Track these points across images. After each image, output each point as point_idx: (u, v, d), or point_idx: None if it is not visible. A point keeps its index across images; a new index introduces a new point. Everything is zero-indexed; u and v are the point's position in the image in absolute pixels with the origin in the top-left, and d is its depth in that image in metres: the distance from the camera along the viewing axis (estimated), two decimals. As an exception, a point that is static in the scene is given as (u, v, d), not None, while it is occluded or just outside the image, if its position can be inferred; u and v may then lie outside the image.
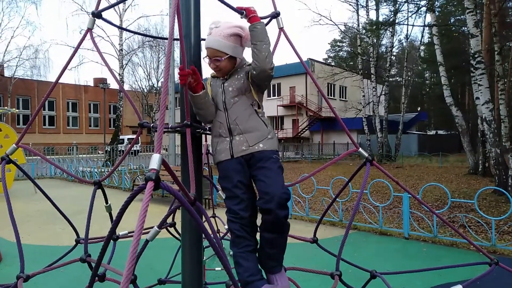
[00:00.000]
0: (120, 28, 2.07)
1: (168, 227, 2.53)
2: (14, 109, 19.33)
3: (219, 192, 1.89)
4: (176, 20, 1.31)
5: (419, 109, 43.36)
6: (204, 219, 1.50)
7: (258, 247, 1.81)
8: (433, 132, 44.01)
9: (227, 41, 1.82)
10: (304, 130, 33.99)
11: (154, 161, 0.93)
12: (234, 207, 1.75)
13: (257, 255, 1.81)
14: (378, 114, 22.33)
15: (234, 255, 1.76)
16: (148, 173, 0.89)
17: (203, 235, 1.81)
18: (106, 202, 2.15)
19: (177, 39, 1.64)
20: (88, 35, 1.78)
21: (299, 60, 2.08)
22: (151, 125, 1.77)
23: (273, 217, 1.67)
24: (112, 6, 1.92)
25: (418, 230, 5.74)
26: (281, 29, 2.00)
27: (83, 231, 1.96)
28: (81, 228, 2.06)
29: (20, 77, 34.11)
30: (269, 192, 1.69)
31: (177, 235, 2.52)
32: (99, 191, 2.01)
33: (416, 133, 36.71)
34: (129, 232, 2.24)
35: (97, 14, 1.69)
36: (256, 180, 1.79)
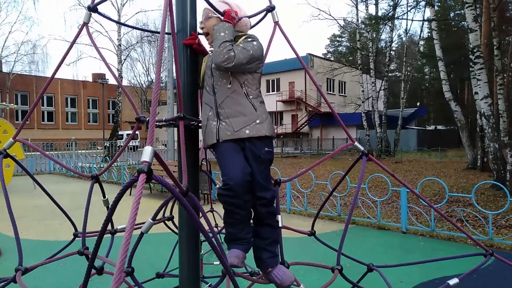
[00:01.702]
0: (117, 22, 2.06)
1: (166, 221, 2.54)
2: (12, 104, 19.29)
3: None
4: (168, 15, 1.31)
5: (418, 104, 43.34)
6: (201, 211, 1.51)
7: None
8: (432, 127, 44.03)
9: (218, 3, 1.90)
10: (303, 126, 33.98)
11: (146, 153, 0.94)
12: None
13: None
14: (377, 109, 22.33)
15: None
16: (140, 166, 0.89)
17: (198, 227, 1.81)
18: (104, 196, 2.16)
19: (169, 33, 1.64)
20: (84, 30, 1.77)
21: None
22: (147, 119, 1.77)
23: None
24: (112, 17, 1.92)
25: (416, 224, 5.77)
26: (276, 23, 1.99)
27: (81, 226, 1.97)
28: (79, 223, 2.07)
29: (18, 72, 34.01)
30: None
31: (174, 229, 2.53)
32: (96, 186, 2.02)
33: (415, 128, 36.74)
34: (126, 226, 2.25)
35: (92, 8, 1.69)
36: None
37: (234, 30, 1.84)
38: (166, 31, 1.72)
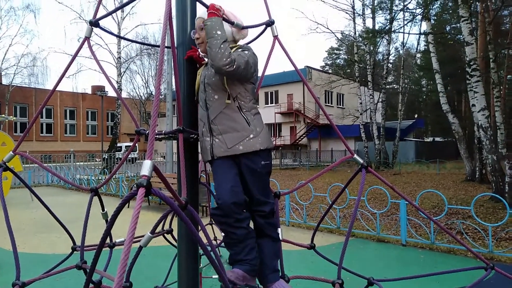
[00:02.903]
0: (117, 36, 2.09)
1: (165, 234, 2.52)
2: (11, 116, 19.30)
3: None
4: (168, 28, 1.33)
5: (416, 116, 43.59)
6: (199, 224, 1.50)
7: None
8: (430, 139, 44.16)
9: None
10: (302, 137, 34.04)
11: (146, 167, 0.94)
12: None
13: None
14: (376, 121, 22.40)
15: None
16: (140, 180, 0.89)
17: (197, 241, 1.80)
18: (103, 209, 2.15)
19: (169, 47, 1.66)
20: (86, 44, 1.80)
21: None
22: (147, 132, 1.78)
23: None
24: (109, 14, 1.94)
25: (415, 237, 5.74)
26: (275, 37, 2.01)
27: (80, 239, 1.96)
28: (77, 235, 2.06)
29: (18, 84, 34.11)
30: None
31: (174, 242, 2.51)
32: (95, 198, 2.02)
33: (413, 140, 36.84)
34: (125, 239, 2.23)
35: (94, 23, 1.71)
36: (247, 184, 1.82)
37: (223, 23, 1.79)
38: (166, 45, 1.74)
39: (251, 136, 1.79)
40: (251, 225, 1.83)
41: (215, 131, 1.80)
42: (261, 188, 1.82)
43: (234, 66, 1.70)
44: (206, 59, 1.93)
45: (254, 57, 1.86)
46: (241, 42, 2.05)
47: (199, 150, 1.91)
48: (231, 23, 1.89)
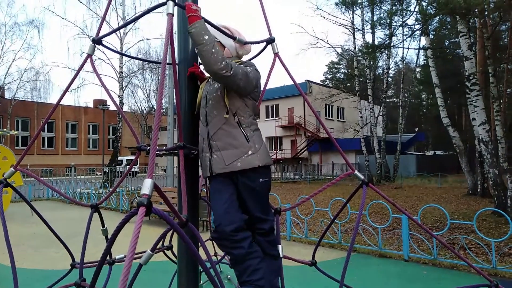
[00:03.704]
0: (120, 53, 2.12)
1: (165, 250, 2.51)
2: (13, 131, 19.37)
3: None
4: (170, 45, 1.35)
5: (416, 129, 43.61)
6: (200, 241, 1.49)
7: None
8: (431, 153, 44.10)
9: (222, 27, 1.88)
10: (302, 151, 34.04)
11: (146, 186, 0.95)
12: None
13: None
14: (376, 135, 22.43)
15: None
16: (140, 199, 0.90)
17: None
18: (103, 226, 2.14)
19: (170, 64, 1.68)
20: (88, 60, 1.82)
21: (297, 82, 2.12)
22: (148, 148, 1.79)
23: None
24: (111, 33, 1.97)
25: (418, 252, 5.68)
26: (276, 54, 2.04)
27: (79, 254, 1.94)
28: (77, 251, 2.04)
29: (20, 99, 34.33)
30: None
31: (174, 259, 2.50)
32: (95, 214, 2.01)
33: (414, 153, 36.77)
34: (125, 256, 2.22)
35: (97, 41, 1.73)
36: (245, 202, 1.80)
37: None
38: (168, 61, 1.77)
39: (250, 152, 1.77)
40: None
41: (214, 147, 1.79)
42: (260, 206, 1.80)
43: (232, 72, 1.66)
44: (207, 74, 1.95)
45: (257, 73, 1.85)
46: (245, 58, 2.07)
47: (200, 166, 1.91)
48: (233, 38, 1.91)
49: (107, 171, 18.16)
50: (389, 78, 25.61)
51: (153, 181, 0.95)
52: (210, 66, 1.63)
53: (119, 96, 21.66)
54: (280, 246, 1.90)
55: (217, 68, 1.62)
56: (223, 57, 1.65)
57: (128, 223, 0.98)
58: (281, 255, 1.90)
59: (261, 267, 1.71)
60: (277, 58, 2.04)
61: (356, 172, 1.92)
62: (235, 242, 1.68)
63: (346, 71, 41.92)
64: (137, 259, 1.67)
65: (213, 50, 1.61)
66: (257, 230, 1.80)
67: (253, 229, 1.81)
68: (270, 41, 2.02)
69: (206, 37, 1.61)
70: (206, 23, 1.69)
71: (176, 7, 1.47)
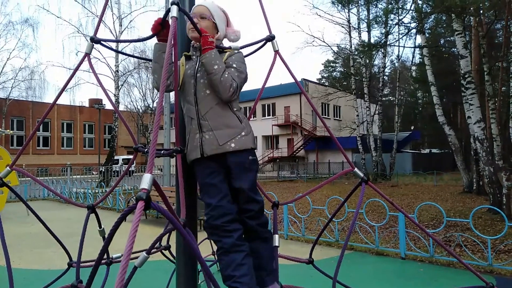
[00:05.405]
0: (118, 52, 2.10)
1: (163, 250, 2.50)
2: (8, 130, 19.23)
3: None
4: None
5: (412, 128, 43.79)
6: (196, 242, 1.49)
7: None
8: (427, 151, 44.30)
9: (218, 9, 1.89)
10: (299, 149, 34.08)
11: (145, 181, 0.94)
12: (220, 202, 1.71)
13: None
14: (372, 133, 22.51)
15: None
16: (139, 193, 0.89)
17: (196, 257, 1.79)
18: (100, 226, 2.13)
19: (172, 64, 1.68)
20: (86, 59, 1.81)
21: (293, 80, 2.12)
22: (145, 150, 1.77)
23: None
24: (112, 41, 1.96)
25: (414, 250, 5.71)
26: (276, 52, 2.04)
27: (76, 254, 1.93)
28: (73, 250, 2.03)
29: (15, 98, 34.08)
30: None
31: (172, 258, 2.49)
32: (92, 215, 2.00)
33: (410, 151, 36.94)
34: (122, 255, 2.21)
35: (95, 40, 1.72)
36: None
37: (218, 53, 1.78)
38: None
39: (243, 133, 1.77)
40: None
41: (205, 126, 1.75)
42: (249, 182, 1.76)
43: (238, 91, 1.77)
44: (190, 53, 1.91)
45: (246, 65, 1.88)
46: (237, 44, 2.02)
47: (186, 150, 1.83)
48: (234, 40, 1.94)
49: (103, 170, 18.09)
50: (385, 77, 25.68)
51: (152, 176, 0.94)
52: (221, 95, 1.73)
53: (115, 95, 21.56)
54: (276, 236, 1.88)
55: (228, 96, 1.73)
56: (232, 82, 1.72)
57: (124, 222, 0.97)
58: (277, 245, 1.88)
59: (246, 263, 1.68)
60: (277, 55, 2.03)
61: (356, 169, 1.92)
62: (227, 231, 1.68)
63: (342, 70, 41.99)
64: (133, 259, 1.66)
65: (221, 79, 1.70)
66: (247, 213, 1.76)
67: (242, 214, 1.77)
68: (270, 38, 2.01)
69: (216, 67, 1.69)
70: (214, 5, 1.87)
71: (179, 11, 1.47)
